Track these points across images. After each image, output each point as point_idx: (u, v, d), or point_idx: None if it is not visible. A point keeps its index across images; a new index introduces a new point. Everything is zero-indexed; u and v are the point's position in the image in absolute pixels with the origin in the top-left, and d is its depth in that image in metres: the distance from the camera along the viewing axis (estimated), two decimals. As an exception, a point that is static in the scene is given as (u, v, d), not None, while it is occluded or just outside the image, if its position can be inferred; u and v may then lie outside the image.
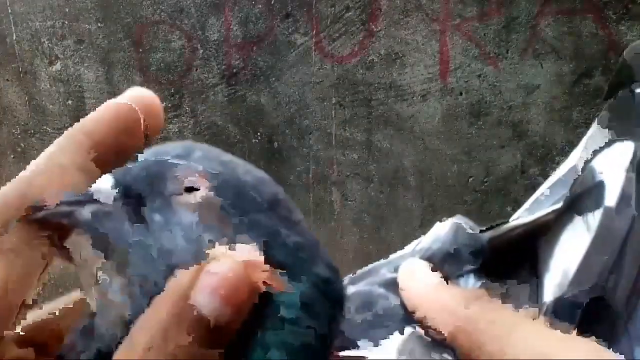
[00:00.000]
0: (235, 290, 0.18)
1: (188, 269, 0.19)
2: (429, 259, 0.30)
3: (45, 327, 0.24)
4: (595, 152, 0.32)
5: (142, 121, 0.24)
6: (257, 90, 1.78)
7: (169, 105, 1.85)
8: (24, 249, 0.21)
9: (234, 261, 0.19)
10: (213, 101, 1.83)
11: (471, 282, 0.30)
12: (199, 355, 0.18)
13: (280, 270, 0.20)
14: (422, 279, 0.28)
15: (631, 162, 0.30)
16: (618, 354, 0.22)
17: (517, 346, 0.22)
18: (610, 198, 0.29)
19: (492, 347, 0.22)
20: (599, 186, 0.30)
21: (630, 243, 0.27)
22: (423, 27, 1.63)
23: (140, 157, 0.23)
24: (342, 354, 0.24)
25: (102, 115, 0.24)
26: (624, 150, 0.31)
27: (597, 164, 0.32)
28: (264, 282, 0.19)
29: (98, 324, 0.21)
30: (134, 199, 0.22)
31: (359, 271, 0.32)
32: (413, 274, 0.29)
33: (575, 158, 0.35)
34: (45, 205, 0.21)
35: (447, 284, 0.27)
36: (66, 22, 1.87)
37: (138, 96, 0.25)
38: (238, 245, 0.20)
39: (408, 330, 0.27)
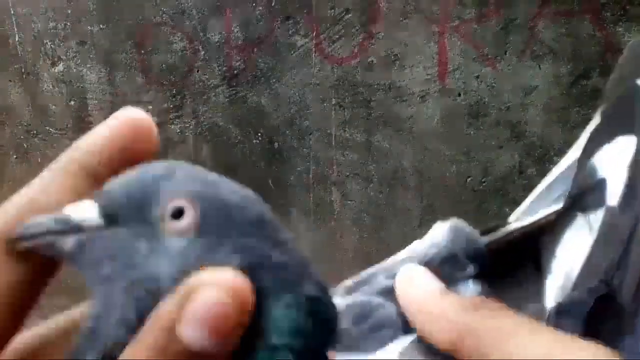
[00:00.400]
0: (222, 319, 0.18)
1: (174, 297, 0.19)
2: (427, 264, 0.29)
3: (38, 354, 0.23)
4: (596, 148, 0.31)
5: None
6: (257, 91, 1.79)
7: (171, 106, 1.86)
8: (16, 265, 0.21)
9: (220, 288, 0.18)
10: (214, 102, 1.83)
11: (470, 286, 0.30)
12: None
13: (268, 293, 0.20)
14: (420, 285, 0.27)
15: (634, 159, 0.29)
16: (625, 351, 0.22)
17: (518, 353, 0.22)
18: (613, 197, 0.29)
19: (492, 354, 0.22)
20: (600, 184, 0.29)
21: (636, 240, 0.26)
22: (422, 29, 1.64)
23: (122, 178, 0.22)
24: None
25: (94, 139, 0.23)
26: (626, 146, 0.30)
27: (598, 160, 0.31)
28: (252, 307, 0.19)
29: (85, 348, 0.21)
30: (119, 226, 0.21)
31: (355, 279, 0.31)
32: (411, 280, 0.28)
33: (575, 153, 0.34)
34: (30, 234, 0.21)
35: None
36: (69, 24, 1.88)
37: (128, 114, 0.24)
38: (224, 269, 0.19)
39: (408, 338, 0.27)
